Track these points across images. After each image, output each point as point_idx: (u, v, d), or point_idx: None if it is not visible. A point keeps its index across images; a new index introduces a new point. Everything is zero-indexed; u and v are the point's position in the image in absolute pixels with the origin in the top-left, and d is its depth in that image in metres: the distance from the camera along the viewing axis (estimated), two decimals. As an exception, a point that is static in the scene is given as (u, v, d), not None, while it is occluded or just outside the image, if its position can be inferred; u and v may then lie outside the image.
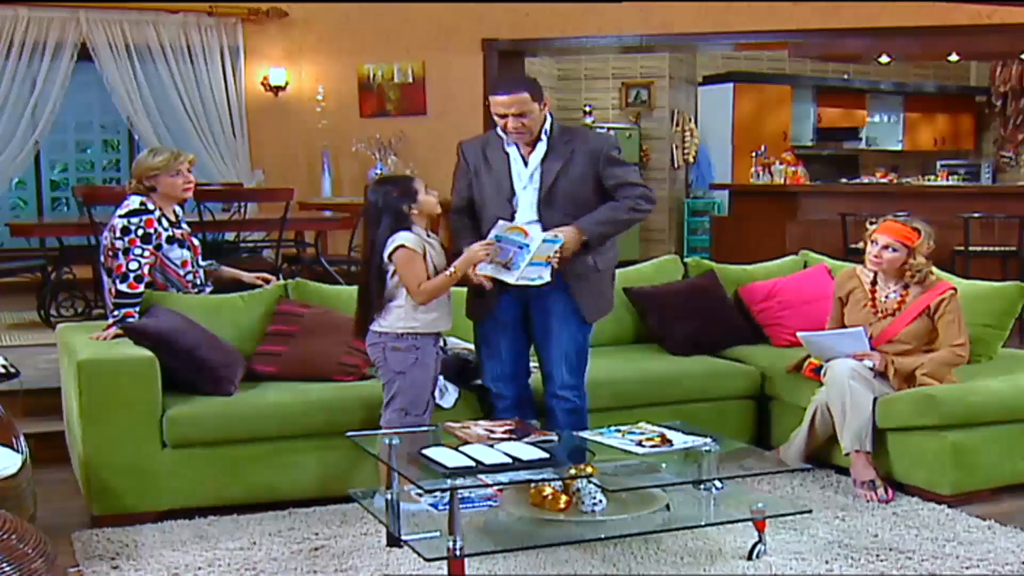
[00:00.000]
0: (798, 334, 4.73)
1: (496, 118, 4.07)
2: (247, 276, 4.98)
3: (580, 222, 4.02)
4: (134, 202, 4.60)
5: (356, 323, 4.10)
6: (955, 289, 4.55)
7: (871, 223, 4.65)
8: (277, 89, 9.80)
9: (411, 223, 4.01)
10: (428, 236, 4.06)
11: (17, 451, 3.54)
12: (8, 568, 2.68)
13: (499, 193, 4.12)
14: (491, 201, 4.13)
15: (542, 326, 4.18)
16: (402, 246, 3.94)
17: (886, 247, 4.52)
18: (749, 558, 3.58)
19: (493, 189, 4.14)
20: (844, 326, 4.69)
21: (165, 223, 4.64)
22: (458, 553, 3.20)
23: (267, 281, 4.94)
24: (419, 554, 3.29)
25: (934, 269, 4.66)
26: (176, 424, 4.08)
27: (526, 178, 4.11)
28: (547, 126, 4.12)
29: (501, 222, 4.04)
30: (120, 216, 4.56)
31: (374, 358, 4.09)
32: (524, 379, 4.30)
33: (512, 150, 4.13)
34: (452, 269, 3.99)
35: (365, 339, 4.09)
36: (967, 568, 3.56)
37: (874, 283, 4.64)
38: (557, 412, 4.20)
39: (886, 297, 4.59)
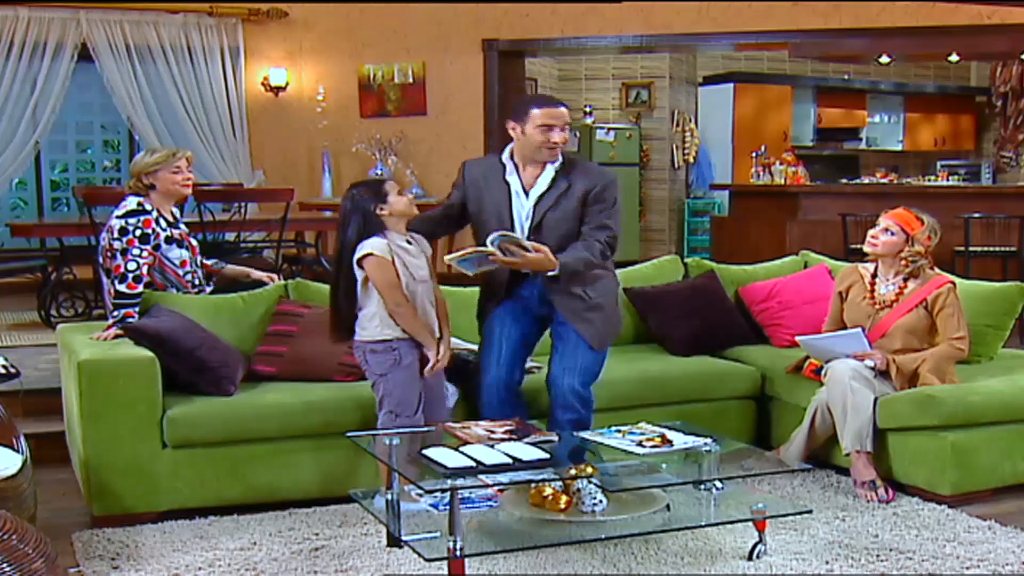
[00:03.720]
0: (797, 338, 4.73)
1: (540, 131, 4.07)
2: (256, 272, 5.00)
3: (561, 257, 4.02)
4: (131, 203, 4.61)
5: (331, 325, 4.10)
6: (953, 283, 4.56)
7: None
8: (277, 89, 9.81)
9: (383, 227, 3.97)
10: (405, 243, 4.02)
11: (17, 451, 3.54)
12: (8, 568, 2.68)
13: (499, 223, 4.14)
14: (492, 231, 4.12)
15: (561, 343, 4.22)
16: (370, 254, 3.92)
17: (885, 230, 4.55)
18: (749, 558, 3.58)
19: (494, 216, 4.18)
20: (843, 321, 4.71)
21: (163, 223, 4.66)
22: (458, 553, 3.20)
23: (273, 280, 4.97)
24: (419, 554, 3.29)
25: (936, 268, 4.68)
26: (176, 424, 4.08)
27: (528, 208, 4.16)
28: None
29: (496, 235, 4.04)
30: (117, 217, 4.57)
31: (359, 362, 4.11)
32: (517, 384, 4.29)
33: (513, 180, 4.18)
34: (434, 342, 4.00)
35: (340, 340, 4.11)
36: (967, 568, 3.56)
37: (874, 276, 4.66)
38: (563, 424, 4.16)
39: (884, 289, 4.61)
